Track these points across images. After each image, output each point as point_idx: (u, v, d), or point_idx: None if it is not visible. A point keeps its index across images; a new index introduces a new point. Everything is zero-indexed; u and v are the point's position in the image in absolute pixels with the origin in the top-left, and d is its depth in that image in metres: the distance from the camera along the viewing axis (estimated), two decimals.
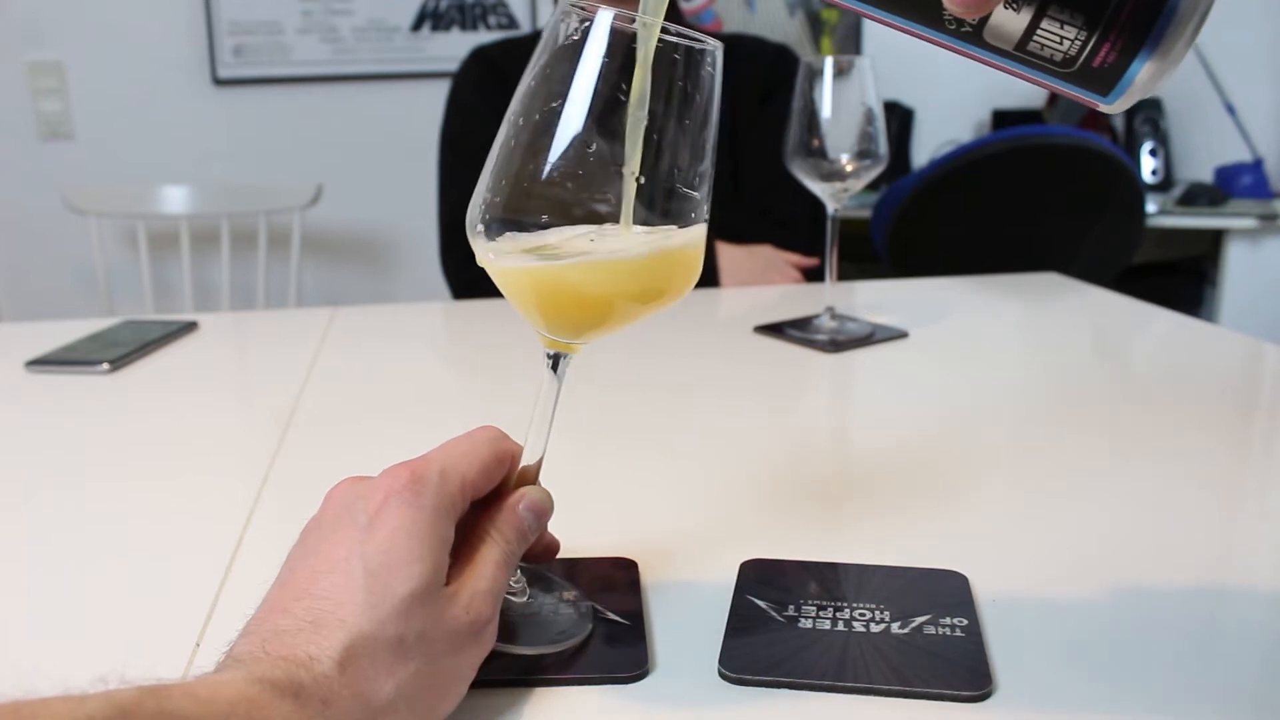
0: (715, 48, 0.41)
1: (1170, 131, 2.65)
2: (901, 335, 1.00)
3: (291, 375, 0.90)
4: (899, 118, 2.87)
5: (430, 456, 0.41)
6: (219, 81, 2.53)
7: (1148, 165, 2.59)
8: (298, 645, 0.36)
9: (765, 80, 1.46)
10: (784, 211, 1.44)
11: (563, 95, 0.40)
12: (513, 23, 2.59)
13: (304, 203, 2.24)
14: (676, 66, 0.40)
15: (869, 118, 0.95)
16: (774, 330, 1.01)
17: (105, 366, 0.91)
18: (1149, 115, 2.63)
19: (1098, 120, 2.76)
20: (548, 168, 0.40)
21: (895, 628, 0.46)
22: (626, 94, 0.39)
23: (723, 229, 1.44)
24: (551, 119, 0.40)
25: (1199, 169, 2.59)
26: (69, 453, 0.73)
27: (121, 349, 0.96)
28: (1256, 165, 2.40)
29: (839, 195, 0.97)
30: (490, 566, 0.41)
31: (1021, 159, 1.86)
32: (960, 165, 1.84)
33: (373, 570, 0.37)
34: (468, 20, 2.57)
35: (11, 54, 2.44)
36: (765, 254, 1.38)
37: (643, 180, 0.40)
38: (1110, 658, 0.44)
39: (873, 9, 0.35)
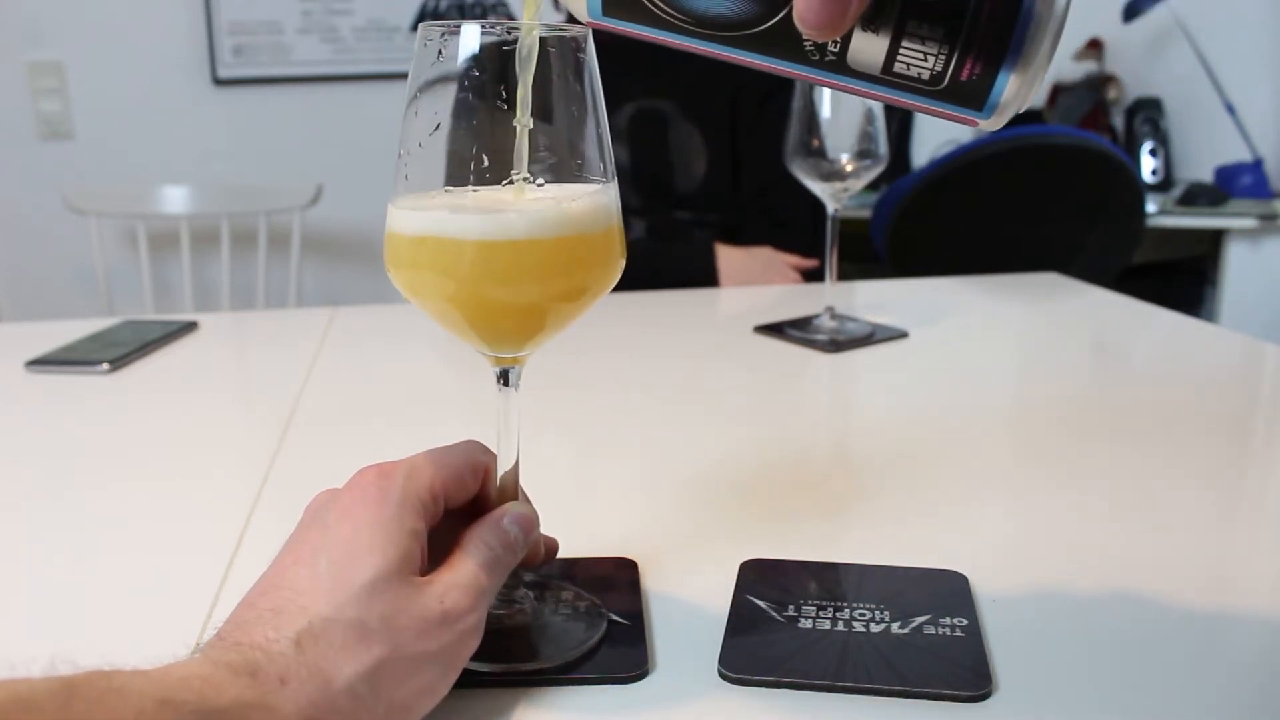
0: (584, 33, 0.41)
1: (1170, 131, 2.65)
2: (901, 335, 0.99)
3: (291, 375, 0.90)
4: (899, 118, 2.87)
5: (401, 459, 0.42)
6: (219, 81, 2.53)
7: (1148, 165, 2.59)
8: (256, 630, 0.36)
9: (766, 80, 1.46)
10: (784, 212, 1.44)
11: (444, 117, 0.40)
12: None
13: (304, 203, 2.24)
14: (553, 60, 0.40)
15: (869, 118, 0.95)
16: (774, 330, 1.01)
17: (105, 366, 0.91)
18: (1149, 115, 2.63)
19: (1098, 120, 2.76)
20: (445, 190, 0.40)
21: (895, 628, 0.46)
22: (505, 101, 0.40)
23: (723, 229, 1.44)
24: (439, 143, 0.40)
25: (1199, 169, 2.59)
26: (69, 453, 0.73)
27: (121, 349, 0.96)
28: (1256, 165, 2.40)
29: (839, 195, 0.97)
30: (471, 565, 0.41)
31: (1021, 159, 1.85)
32: (960, 165, 1.84)
33: (335, 560, 0.38)
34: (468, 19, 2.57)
35: (11, 54, 2.44)
36: (764, 255, 1.38)
37: (541, 184, 0.41)
38: (1110, 658, 0.44)
39: (738, 51, 0.35)
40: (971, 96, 0.34)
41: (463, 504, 0.44)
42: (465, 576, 0.40)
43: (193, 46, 2.51)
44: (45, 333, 1.02)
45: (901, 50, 0.33)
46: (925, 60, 0.33)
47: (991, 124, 0.35)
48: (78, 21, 2.45)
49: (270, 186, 2.28)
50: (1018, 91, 0.33)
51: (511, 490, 0.45)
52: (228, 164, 2.54)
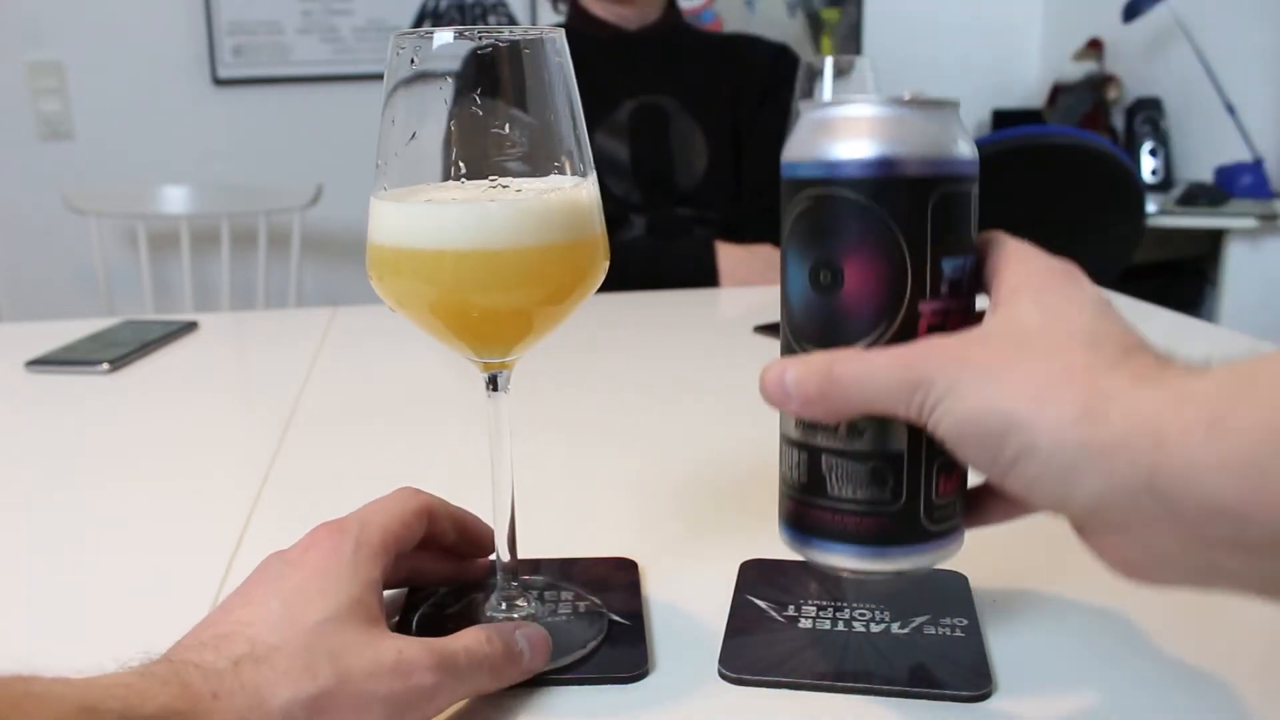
0: (558, 34, 0.42)
1: (1170, 131, 2.65)
2: None
3: (291, 375, 0.90)
4: None
5: (350, 514, 0.43)
6: (219, 81, 2.53)
7: (1148, 165, 2.59)
8: (194, 653, 0.35)
9: (765, 80, 1.46)
10: None
11: (418, 124, 0.41)
12: (512, 22, 2.59)
13: (304, 203, 2.24)
14: (529, 61, 0.41)
15: None
16: (774, 330, 1.01)
17: (105, 366, 0.91)
18: (1149, 115, 2.63)
19: (1098, 120, 2.76)
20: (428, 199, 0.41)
21: (895, 628, 0.46)
22: (482, 105, 0.40)
23: (724, 227, 1.44)
24: (416, 150, 0.41)
25: (1199, 169, 2.59)
26: (69, 453, 0.73)
27: (121, 349, 0.96)
28: (1256, 165, 2.40)
29: None
30: (457, 643, 0.39)
31: (1021, 159, 1.85)
32: None
33: (287, 602, 0.38)
34: (467, 20, 2.57)
35: (11, 54, 2.44)
36: (765, 253, 1.38)
37: (520, 191, 0.41)
38: (1110, 657, 0.44)
39: None
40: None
41: (415, 543, 0.45)
42: (441, 645, 0.39)
43: (193, 46, 2.51)
44: (45, 333, 1.02)
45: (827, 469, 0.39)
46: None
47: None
48: (78, 21, 2.45)
49: (270, 186, 2.28)
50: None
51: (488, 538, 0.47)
52: (228, 164, 2.54)
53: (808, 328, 0.39)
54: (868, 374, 0.35)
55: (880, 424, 0.38)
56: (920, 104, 0.38)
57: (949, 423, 0.33)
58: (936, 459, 0.38)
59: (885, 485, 0.38)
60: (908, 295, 0.37)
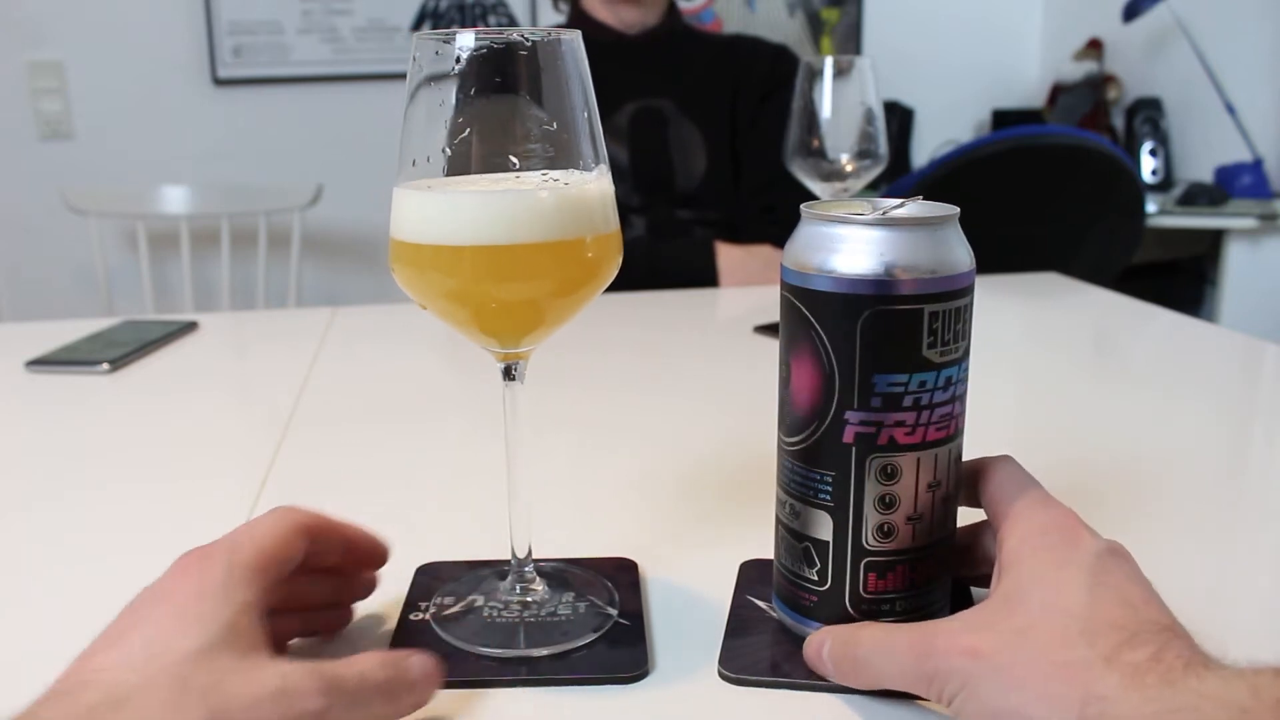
0: (575, 35, 0.43)
1: (1170, 131, 2.65)
2: None
3: (291, 375, 0.90)
4: (899, 118, 2.88)
5: (220, 538, 0.40)
6: (219, 81, 2.53)
7: (1148, 165, 2.59)
8: (45, 706, 0.32)
9: (765, 80, 1.46)
10: (783, 211, 1.44)
11: (458, 120, 0.41)
12: (513, 22, 2.59)
13: (304, 203, 2.24)
14: (547, 60, 0.41)
15: (869, 118, 0.95)
16: (774, 330, 1.01)
17: (105, 366, 0.91)
18: (1149, 115, 2.63)
19: (1098, 120, 2.76)
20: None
21: None
22: (502, 103, 0.41)
23: (724, 228, 1.44)
24: (438, 146, 0.41)
25: (1199, 169, 2.59)
26: (69, 453, 0.73)
27: (121, 349, 0.96)
28: (1256, 165, 2.40)
29: (839, 195, 0.98)
30: (348, 666, 0.37)
31: (1021, 159, 1.85)
32: (960, 165, 1.84)
33: (150, 638, 0.35)
34: (468, 20, 2.57)
35: (11, 54, 2.44)
36: (764, 254, 1.38)
37: (544, 176, 0.42)
38: None
39: None
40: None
41: (296, 564, 0.42)
42: (330, 668, 0.36)
43: (193, 46, 2.52)
44: (45, 333, 1.02)
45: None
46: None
47: None
48: (78, 21, 2.45)
49: (270, 186, 2.28)
50: None
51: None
52: (228, 164, 2.54)
53: (779, 411, 0.43)
54: (885, 664, 0.39)
55: (811, 511, 0.42)
56: (877, 222, 0.39)
57: (969, 712, 0.36)
58: (865, 558, 0.41)
59: (813, 567, 0.43)
60: (834, 403, 0.40)
